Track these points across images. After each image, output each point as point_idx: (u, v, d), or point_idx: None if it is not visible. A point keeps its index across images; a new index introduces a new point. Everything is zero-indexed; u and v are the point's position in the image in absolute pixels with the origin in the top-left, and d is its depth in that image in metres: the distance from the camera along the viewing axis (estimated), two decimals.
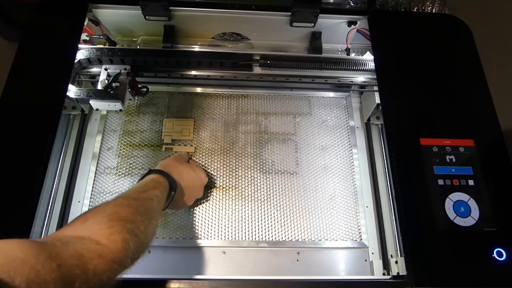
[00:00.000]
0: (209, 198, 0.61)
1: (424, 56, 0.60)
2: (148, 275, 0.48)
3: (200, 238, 0.58)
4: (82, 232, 0.34)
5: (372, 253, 0.58)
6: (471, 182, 0.50)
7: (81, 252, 0.31)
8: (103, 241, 0.34)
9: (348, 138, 0.67)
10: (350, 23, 0.66)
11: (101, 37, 0.67)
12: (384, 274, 0.55)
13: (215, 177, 0.63)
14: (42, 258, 0.26)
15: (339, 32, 0.69)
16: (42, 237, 0.54)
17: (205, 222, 0.59)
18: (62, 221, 0.58)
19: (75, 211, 0.59)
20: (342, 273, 0.57)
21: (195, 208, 0.60)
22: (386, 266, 0.56)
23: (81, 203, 0.59)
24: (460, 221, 0.47)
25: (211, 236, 0.58)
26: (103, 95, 0.55)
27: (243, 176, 0.63)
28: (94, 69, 0.61)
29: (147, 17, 0.64)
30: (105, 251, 0.33)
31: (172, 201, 0.51)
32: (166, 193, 0.49)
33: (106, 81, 0.58)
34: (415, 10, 0.83)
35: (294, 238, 0.59)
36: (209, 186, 0.62)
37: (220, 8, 0.63)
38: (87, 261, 0.31)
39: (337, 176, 0.64)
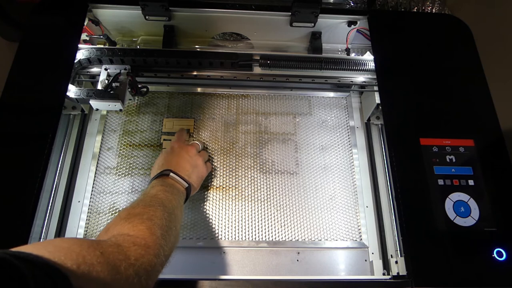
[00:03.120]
0: (209, 198, 0.61)
1: (424, 56, 0.60)
2: None
3: (200, 238, 0.58)
4: (109, 235, 0.36)
5: (372, 253, 0.58)
6: (471, 182, 0.50)
7: (117, 243, 0.33)
8: (131, 232, 0.37)
9: (348, 138, 0.68)
10: (350, 23, 0.66)
11: (101, 37, 0.67)
12: (384, 274, 0.55)
13: (215, 177, 0.63)
14: (85, 247, 0.28)
15: (339, 32, 0.69)
16: (42, 237, 0.55)
17: (205, 222, 0.59)
18: (62, 221, 0.58)
19: (75, 211, 0.59)
20: (342, 273, 0.57)
21: (195, 208, 0.60)
22: (386, 266, 0.56)
23: (81, 203, 0.59)
24: (460, 221, 0.47)
25: (211, 236, 0.58)
26: (103, 95, 0.55)
27: (243, 176, 0.63)
28: (94, 69, 0.61)
29: (147, 17, 0.64)
30: (137, 240, 0.35)
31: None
32: (176, 189, 0.50)
33: (106, 81, 0.58)
34: (415, 10, 0.83)
35: (294, 238, 0.59)
36: (209, 186, 0.62)
37: (220, 8, 0.63)
38: (125, 249, 0.33)
39: (337, 176, 0.64)
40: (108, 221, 0.58)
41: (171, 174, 0.51)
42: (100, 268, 0.27)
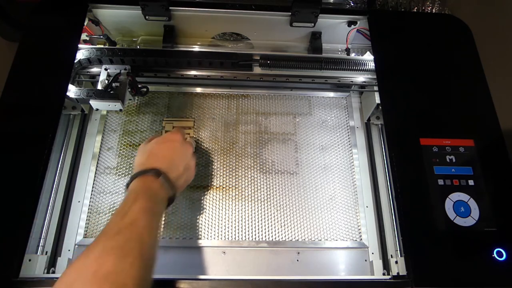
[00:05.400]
0: (209, 198, 0.61)
1: (424, 56, 0.60)
2: None
3: (200, 238, 0.58)
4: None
5: (372, 253, 0.58)
6: (471, 182, 0.50)
7: None
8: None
9: (348, 138, 0.68)
10: (350, 23, 0.66)
11: (101, 37, 0.67)
12: (384, 274, 0.55)
13: (215, 177, 0.63)
14: None
15: (339, 32, 0.69)
16: (42, 237, 0.54)
17: (205, 222, 0.59)
18: (62, 221, 0.58)
19: (75, 211, 0.59)
20: (342, 273, 0.57)
21: (195, 208, 0.60)
22: (386, 266, 0.56)
23: (81, 203, 0.59)
24: (460, 221, 0.47)
25: (211, 236, 0.58)
26: (103, 95, 0.55)
27: (243, 176, 0.63)
28: (94, 69, 0.61)
29: (147, 17, 0.64)
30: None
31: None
32: (159, 200, 0.43)
33: (106, 81, 0.58)
34: (415, 10, 0.83)
35: (294, 238, 0.59)
36: (209, 186, 0.62)
37: (220, 8, 0.63)
38: None
39: (337, 176, 0.64)
40: (108, 221, 0.58)
41: (161, 178, 0.44)
42: None
